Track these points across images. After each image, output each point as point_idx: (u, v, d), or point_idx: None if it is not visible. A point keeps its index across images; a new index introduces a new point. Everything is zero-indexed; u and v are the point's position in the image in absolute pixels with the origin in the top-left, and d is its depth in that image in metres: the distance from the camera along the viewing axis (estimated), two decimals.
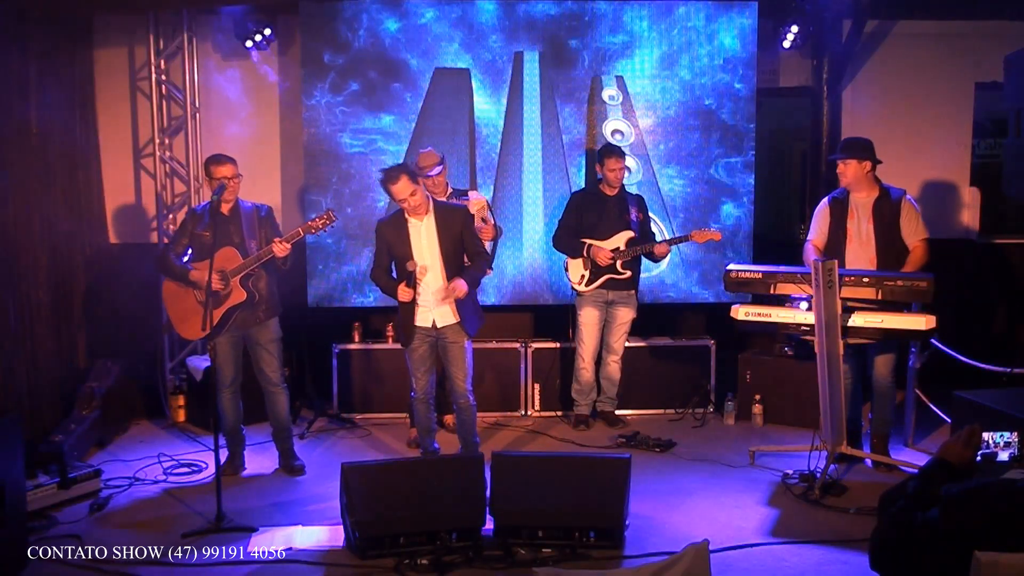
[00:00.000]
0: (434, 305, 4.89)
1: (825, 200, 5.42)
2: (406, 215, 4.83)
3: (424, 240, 4.84)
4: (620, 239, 5.97)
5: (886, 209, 5.20)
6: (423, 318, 4.92)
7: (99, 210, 6.65)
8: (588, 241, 5.97)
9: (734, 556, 4.18)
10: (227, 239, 5.04)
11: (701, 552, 2.54)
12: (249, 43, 6.45)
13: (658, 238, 6.18)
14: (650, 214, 6.21)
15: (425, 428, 5.18)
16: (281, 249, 4.93)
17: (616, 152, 5.96)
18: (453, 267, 4.87)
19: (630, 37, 6.48)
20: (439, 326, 4.92)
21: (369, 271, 5.09)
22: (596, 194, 6.06)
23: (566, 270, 6.12)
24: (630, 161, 6.39)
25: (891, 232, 5.18)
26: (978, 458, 2.61)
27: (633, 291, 6.09)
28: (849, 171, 5.20)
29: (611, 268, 5.95)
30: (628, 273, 6.00)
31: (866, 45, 6.84)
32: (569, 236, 6.02)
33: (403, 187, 4.69)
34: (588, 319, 6.07)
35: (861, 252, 5.22)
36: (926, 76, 6.89)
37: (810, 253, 5.31)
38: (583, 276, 6.02)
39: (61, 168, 6.08)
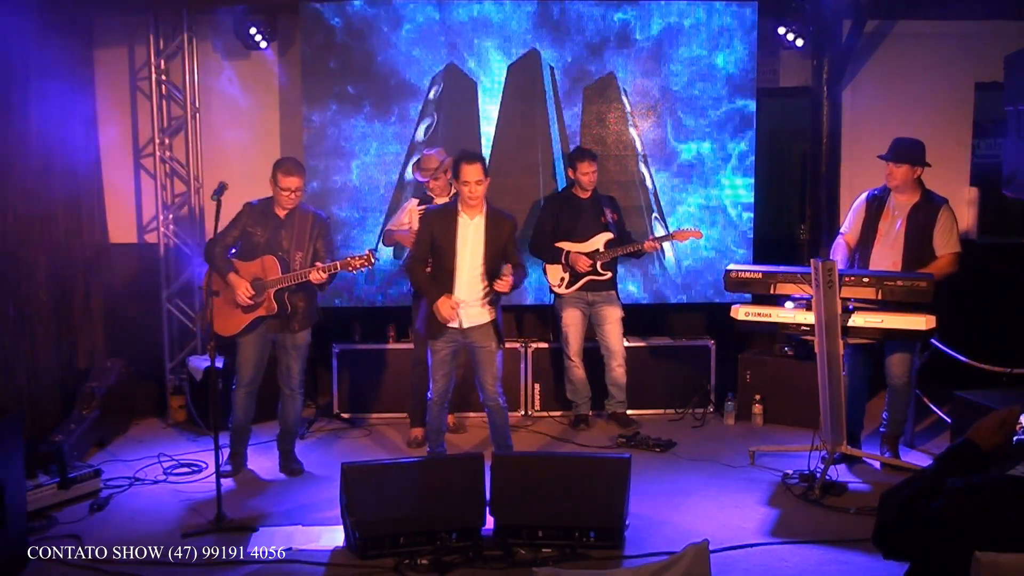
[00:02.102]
0: (467, 306, 4.88)
1: (863, 196, 5.39)
2: (459, 209, 4.84)
3: (471, 238, 4.84)
4: (599, 241, 5.99)
5: (922, 215, 5.15)
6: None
7: (99, 210, 6.64)
8: (566, 247, 5.98)
9: (734, 556, 4.18)
10: (276, 244, 5.04)
11: (701, 552, 2.54)
12: (249, 43, 6.45)
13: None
14: (654, 215, 6.21)
15: (436, 429, 5.18)
16: (317, 277, 4.94)
17: (588, 156, 5.98)
18: (492, 273, 4.88)
19: (633, 40, 6.47)
20: (465, 327, 4.90)
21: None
22: (570, 198, 6.07)
23: (545, 272, 6.13)
24: (642, 166, 6.38)
25: (921, 238, 5.13)
26: (1014, 441, 2.50)
27: (613, 291, 6.11)
28: (900, 174, 5.16)
29: (592, 270, 5.97)
30: (608, 274, 6.03)
31: (866, 45, 6.83)
32: (546, 241, 6.03)
33: (475, 171, 4.74)
34: (572, 319, 6.08)
35: (888, 253, 5.19)
36: (926, 76, 6.88)
37: (837, 249, 5.30)
38: (563, 279, 6.04)
39: (61, 168, 6.07)
